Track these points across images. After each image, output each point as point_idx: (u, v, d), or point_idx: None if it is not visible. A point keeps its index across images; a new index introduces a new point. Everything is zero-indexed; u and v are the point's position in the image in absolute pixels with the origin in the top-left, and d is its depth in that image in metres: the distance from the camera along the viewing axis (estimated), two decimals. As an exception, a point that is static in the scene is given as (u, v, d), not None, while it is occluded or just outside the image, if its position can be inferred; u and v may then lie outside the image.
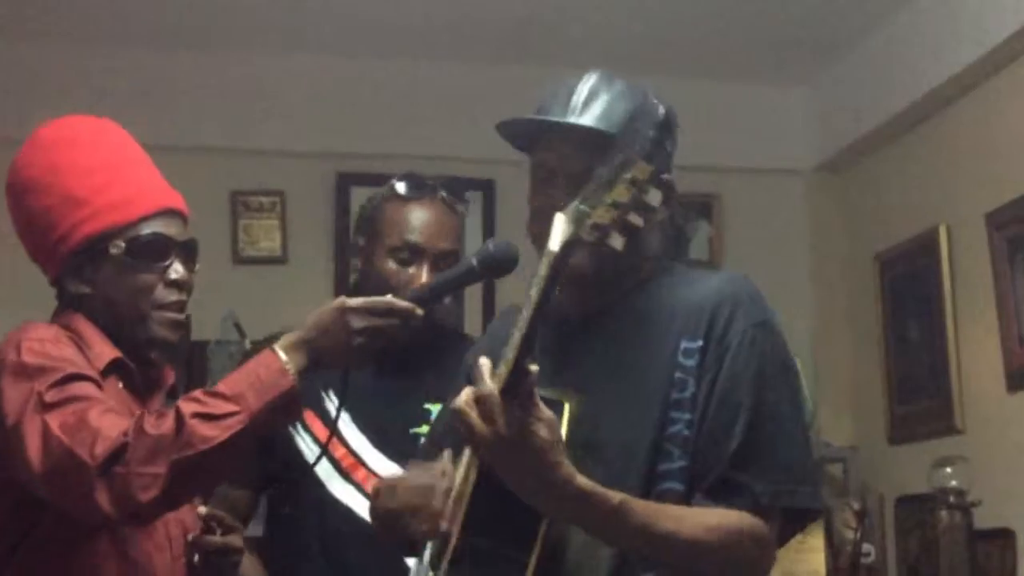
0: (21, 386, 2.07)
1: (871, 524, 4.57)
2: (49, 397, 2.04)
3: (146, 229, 2.26)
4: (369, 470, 2.70)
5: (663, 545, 1.91)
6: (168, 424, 1.98)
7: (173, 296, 2.28)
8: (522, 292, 2.17)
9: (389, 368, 2.65)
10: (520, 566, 1.90)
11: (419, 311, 2.14)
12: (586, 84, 2.11)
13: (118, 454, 1.96)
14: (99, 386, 2.12)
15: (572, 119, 2.08)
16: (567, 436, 1.89)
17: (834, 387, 5.07)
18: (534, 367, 1.80)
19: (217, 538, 2.34)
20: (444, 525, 1.98)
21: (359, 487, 2.69)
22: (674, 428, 2.00)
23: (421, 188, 2.80)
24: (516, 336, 1.80)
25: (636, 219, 1.73)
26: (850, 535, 4.40)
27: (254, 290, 4.77)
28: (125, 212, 2.25)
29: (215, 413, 1.99)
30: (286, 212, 4.95)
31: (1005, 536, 4.03)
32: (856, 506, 4.43)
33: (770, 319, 2.08)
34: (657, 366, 2.04)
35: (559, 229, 1.77)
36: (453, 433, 1.98)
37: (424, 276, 2.68)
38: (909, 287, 4.73)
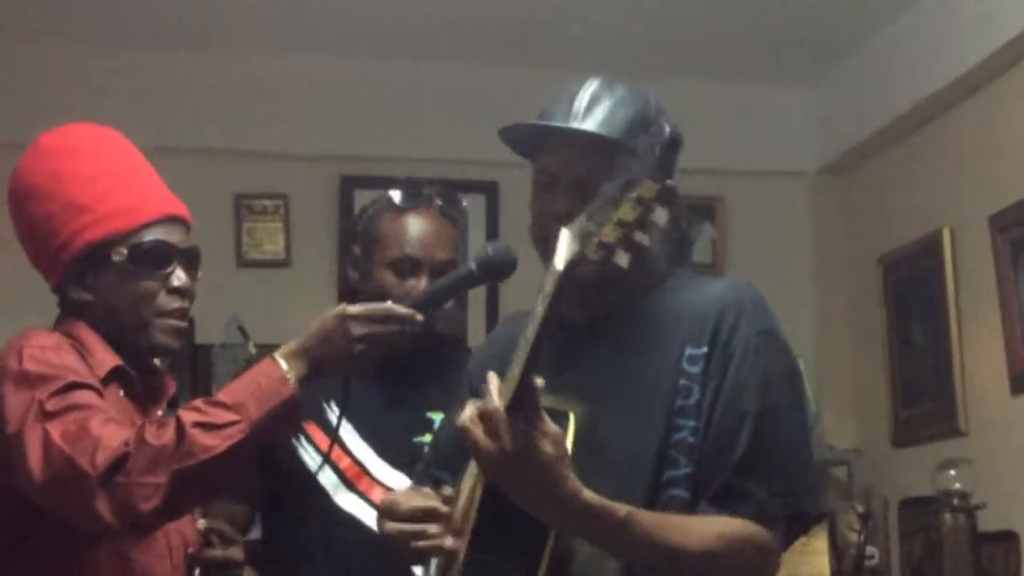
0: (22, 394, 2.07)
1: (875, 527, 4.57)
2: (50, 406, 2.04)
3: (148, 236, 2.26)
4: (373, 479, 2.70)
5: (669, 557, 1.92)
6: (169, 434, 1.98)
7: (175, 303, 2.28)
8: (526, 298, 2.17)
9: (390, 377, 2.64)
10: None
11: (419, 317, 2.14)
12: (588, 89, 2.11)
13: (119, 464, 1.96)
14: (100, 394, 2.12)
15: (574, 124, 2.08)
16: (572, 445, 1.89)
17: (838, 390, 5.07)
18: (540, 382, 1.80)
19: (218, 552, 2.34)
20: (450, 543, 1.99)
21: (364, 496, 2.69)
22: (679, 435, 2.00)
23: (417, 197, 2.79)
24: (522, 353, 1.80)
25: (642, 237, 1.73)
26: (854, 538, 4.39)
27: (258, 293, 4.77)
28: (127, 219, 2.25)
29: (216, 422, 1.99)
30: (290, 215, 4.95)
31: (1009, 539, 4.02)
32: (860, 509, 4.42)
33: (774, 326, 2.08)
34: (662, 373, 2.04)
35: (564, 246, 1.77)
36: (457, 445, 1.98)
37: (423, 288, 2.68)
38: (913, 290, 4.73)
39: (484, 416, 1.81)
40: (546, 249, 2.07)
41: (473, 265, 2.25)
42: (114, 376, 2.22)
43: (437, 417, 2.60)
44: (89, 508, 1.96)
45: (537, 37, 4.76)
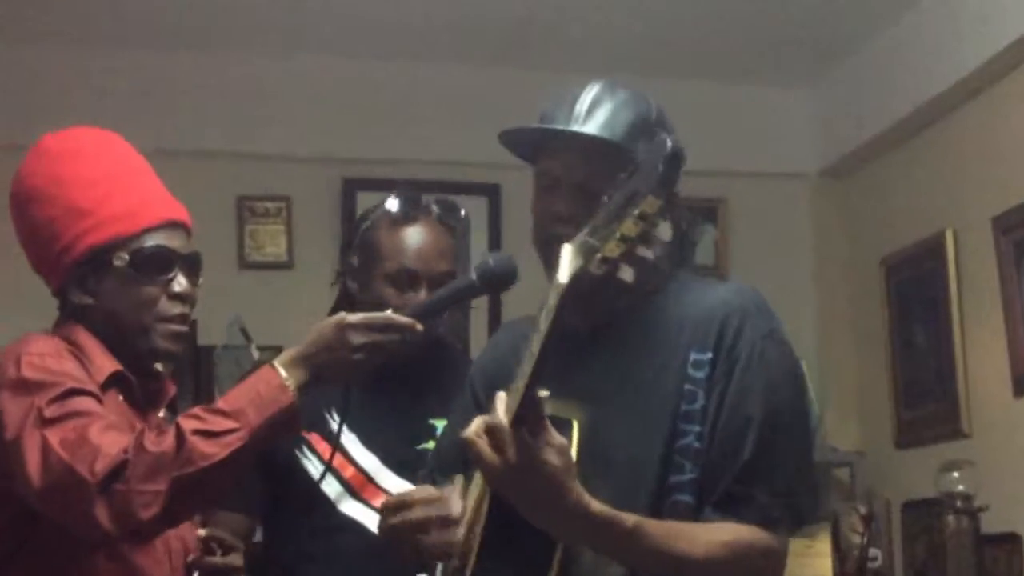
0: (21, 401, 2.06)
1: (878, 529, 4.56)
2: (49, 412, 2.03)
3: (150, 241, 2.25)
4: (378, 487, 2.70)
5: (676, 565, 1.92)
6: (168, 441, 1.97)
7: (176, 309, 2.27)
8: (528, 305, 2.17)
9: (391, 385, 2.63)
10: None
11: (419, 326, 2.14)
12: (589, 93, 2.11)
13: (118, 471, 1.95)
14: (99, 400, 2.11)
15: (575, 127, 2.08)
16: (576, 453, 1.89)
17: (840, 392, 5.06)
18: (544, 393, 1.80)
19: (217, 559, 2.34)
20: (460, 534, 1.98)
21: (368, 504, 2.68)
22: (684, 440, 2.00)
23: (415, 208, 2.78)
24: (527, 366, 1.79)
25: (645, 252, 1.72)
26: (857, 540, 4.39)
27: (260, 295, 4.77)
28: (129, 223, 2.24)
29: (215, 430, 1.98)
30: (292, 217, 4.95)
31: (1012, 540, 4.02)
32: (863, 511, 4.42)
33: (778, 330, 2.09)
34: (666, 378, 2.04)
35: (567, 261, 1.77)
36: (459, 451, 1.98)
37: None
38: (915, 291, 4.73)
39: (489, 430, 1.81)
40: (548, 252, 2.07)
41: (474, 276, 2.24)
42: (113, 381, 2.21)
43: (439, 424, 2.59)
44: (88, 515, 1.95)
45: (537, 37, 4.76)
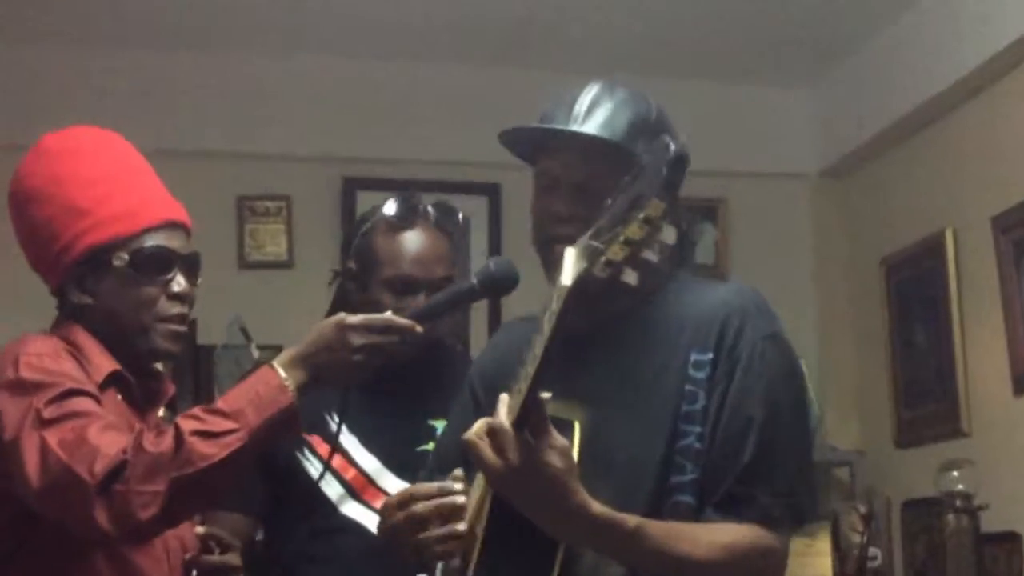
0: (19, 402, 2.06)
1: (878, 528, 4.56)
2: (47, 413, 2.03)
3: (149, 241, 2.25)
4: (379, 489, 2.70)
5: (678, 566, 1.92)
6: (167, 442, 1.97)
7: (175, 309, 2.27)
8: (528, 306, 2.17)
9: (391, 387, 2.63)
10: None
11: (418, 328, 2.14)
12: (589, 93, 2.11)
13: (117, 472, 1.95)
14: (98, 401, 2.11)
15: (574, 127, 2.08)
16: (578, 454, 1.89)
17: (840, 391, 5.07)
18: (547, 395, 1.80)
19: (215, 557, 2.33)
20: (463, 527, 1.98)
21: (369, 505, 2.68)
22: (685, 441, 2.00)
23: (413, 213, 2.77)
24: (530, 368, 1.79)
25: (650, 255, 1.72)
26: (857, 539, 4.39)
27: (260, 295, 4.77)
28: (128, 223, 2.24)
29: (214, 430, 1.98)
30: (292, 217, 4.95)
31: (1012, 540, 4.02)
32: (863, 510, 4.42)
33: (778, 330, 2.09)
34: (667, 378, 2.04)
35: (570, 264, 1.76)
36: (459, 450, 1.97)
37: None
38: (915, 291, 4.73)
39: (491, 432, 1.81)
40: (547, 253, 2.07)
41: (475, 280, 2.24)
42: (112, 381, 2.21)
43: (439, 425, 2.59)
44: (87, 516, 1.95)
45: (537, 37, 4.76)
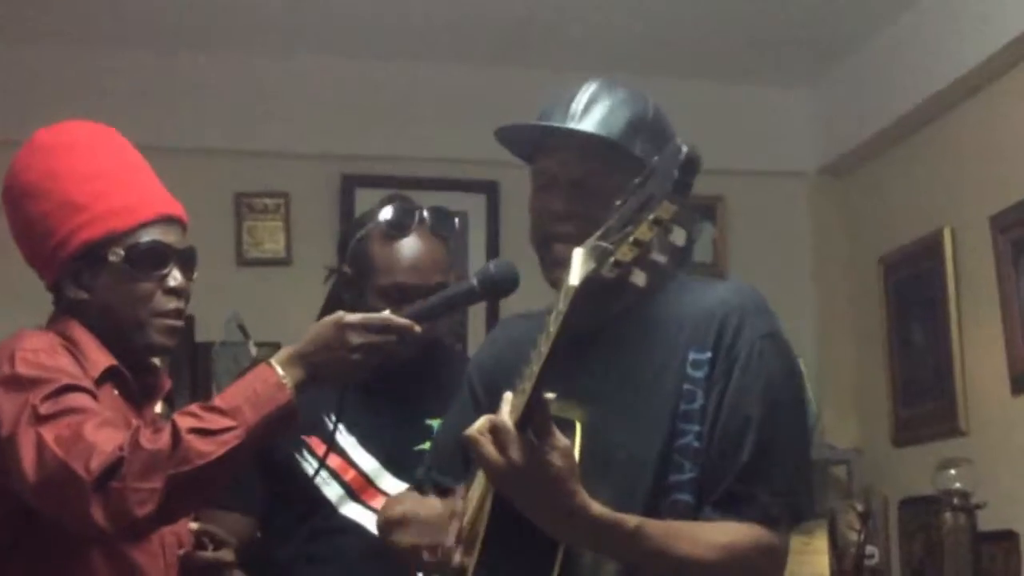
0: (15, 398, 2.06)
1: (875, 526, 4.57)
2: (44, 409, 2.03)
3: (145, 236, 2.25)
4: (378, 489, 2.70)
5: (679, 566, 1.92)
6: (164, 439, 1.97)
7: (171, 304, 2.27)
8: (526, 303, 2.17)
9: (389, 387, 2.63)
10: None
11: (417, 328, 2.14)
12: (587, 91, 2.11)
13: (114, 469, 1.95)
14: (94, 396, 2.11)
15: (572, 125, 2.08)
16: (579, 453, 1.89)
17: (838, 389, 5.07)
18: (550, 395, 1.80)
19: (209, 553, 2.34)
20: (457, 560, 1.98)
21: (368, 506, 2.68)
22: (684, 440, 2.00)
23: (409, 218, 2.76)
24: (534, 367, 1.79)
25: (659, 257, 1.72)
26: (854, 537, 4.39)
27: (258, 292, 4.77)
28: (124, 219, 2.24)
29: (211, 428, 1.98)
30: (290, 214, 4.95)
31: (1009, 538, 4.02)
32: (860, 508, 4.42)
33: (777, 329, 2.09)
34: (665, 377, 2.04)
35: (578, 264, 1.75)
36: (457, 449, 1.97)
37: None
38: (913, 290, 4.73)
39: (494, 429, 1.81)
40: (546, 250, 2.07)
41: (475, 281, 2.24)
42: (108, 376, 2.21)
43: (436, 424, 2.59)
44: (84, 513, 1.95)
45: (537, 37, 4.76)
